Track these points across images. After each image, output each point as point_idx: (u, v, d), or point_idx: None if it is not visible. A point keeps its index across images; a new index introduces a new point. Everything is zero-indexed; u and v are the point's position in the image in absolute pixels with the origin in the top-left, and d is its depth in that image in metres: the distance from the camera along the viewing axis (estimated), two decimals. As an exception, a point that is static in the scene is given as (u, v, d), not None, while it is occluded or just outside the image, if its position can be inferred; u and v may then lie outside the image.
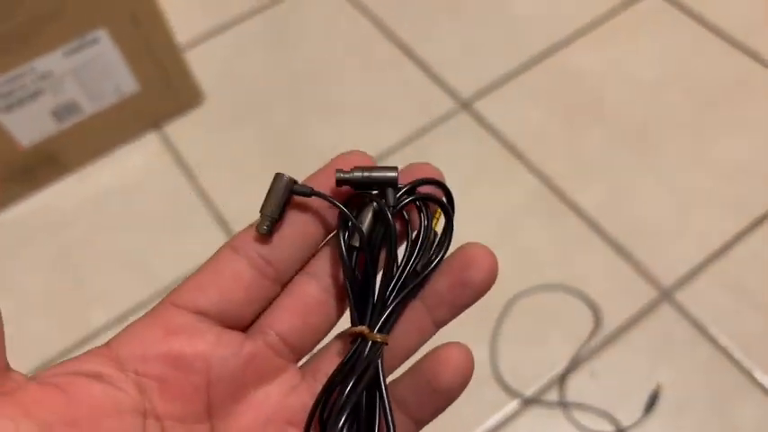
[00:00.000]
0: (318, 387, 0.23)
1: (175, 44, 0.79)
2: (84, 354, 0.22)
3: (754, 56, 0.82)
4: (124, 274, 0.74)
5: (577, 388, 0.63)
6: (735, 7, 0.87)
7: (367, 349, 0.22)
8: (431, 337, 0.24)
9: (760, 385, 0.62)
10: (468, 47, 0.87)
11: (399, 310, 0.23)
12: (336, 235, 0.24)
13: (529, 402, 0.63)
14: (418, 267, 0.23)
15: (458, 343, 0.23)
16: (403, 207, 0.23)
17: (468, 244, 0.24)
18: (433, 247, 0.24)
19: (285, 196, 0.23)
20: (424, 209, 0.24)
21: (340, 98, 0.85)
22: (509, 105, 0.82)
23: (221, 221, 0.76)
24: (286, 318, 0.23)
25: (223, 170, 0.80)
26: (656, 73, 0.83)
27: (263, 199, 0.23)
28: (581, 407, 0.62)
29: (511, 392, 0.63)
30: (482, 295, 0.24)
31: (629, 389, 0.63)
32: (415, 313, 0.24)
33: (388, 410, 0.22)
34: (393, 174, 0.23)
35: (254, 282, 0.23)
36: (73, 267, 0.75)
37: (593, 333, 0.66)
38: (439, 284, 0.24)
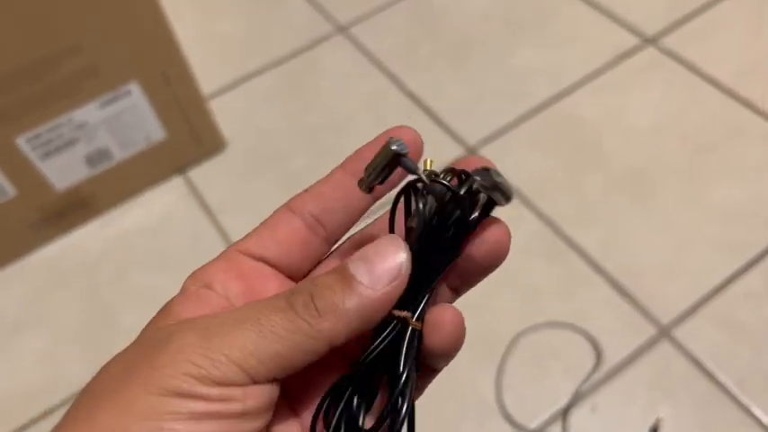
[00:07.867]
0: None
1: (201, 96, 0.85)
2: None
3: (746, 103, 0.87)
4: (152, 310, 0.78)
5: (579, 422, 0.66)
6: (727, 58, 0.91)
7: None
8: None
9: (757, 420, 0.64)
10: (474, 97, 0.93)
11: (426, 287, 0.23)
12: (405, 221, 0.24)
13: (533, 435, 0.66)
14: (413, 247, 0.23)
15: (451, 306, 0.24)
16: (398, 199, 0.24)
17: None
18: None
19: (391, 164, 0.24)
20: (413, 195, 0.24)
21: (355, 146, 0.89)
22: (512, 151, 0.86)
23: (241, 261, 0.80)
24: None
25: (243, 213, 0.85)
26: (652, 120, 0.87)
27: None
28: (583, 440, 0.65)
29: (516, 426, 0.66)
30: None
31: (629, 423, 0.66)
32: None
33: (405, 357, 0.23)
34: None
35: (307, 239, 0.25)
36: (103, 304, 0.79)
37: (594, 369, 0.69)
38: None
